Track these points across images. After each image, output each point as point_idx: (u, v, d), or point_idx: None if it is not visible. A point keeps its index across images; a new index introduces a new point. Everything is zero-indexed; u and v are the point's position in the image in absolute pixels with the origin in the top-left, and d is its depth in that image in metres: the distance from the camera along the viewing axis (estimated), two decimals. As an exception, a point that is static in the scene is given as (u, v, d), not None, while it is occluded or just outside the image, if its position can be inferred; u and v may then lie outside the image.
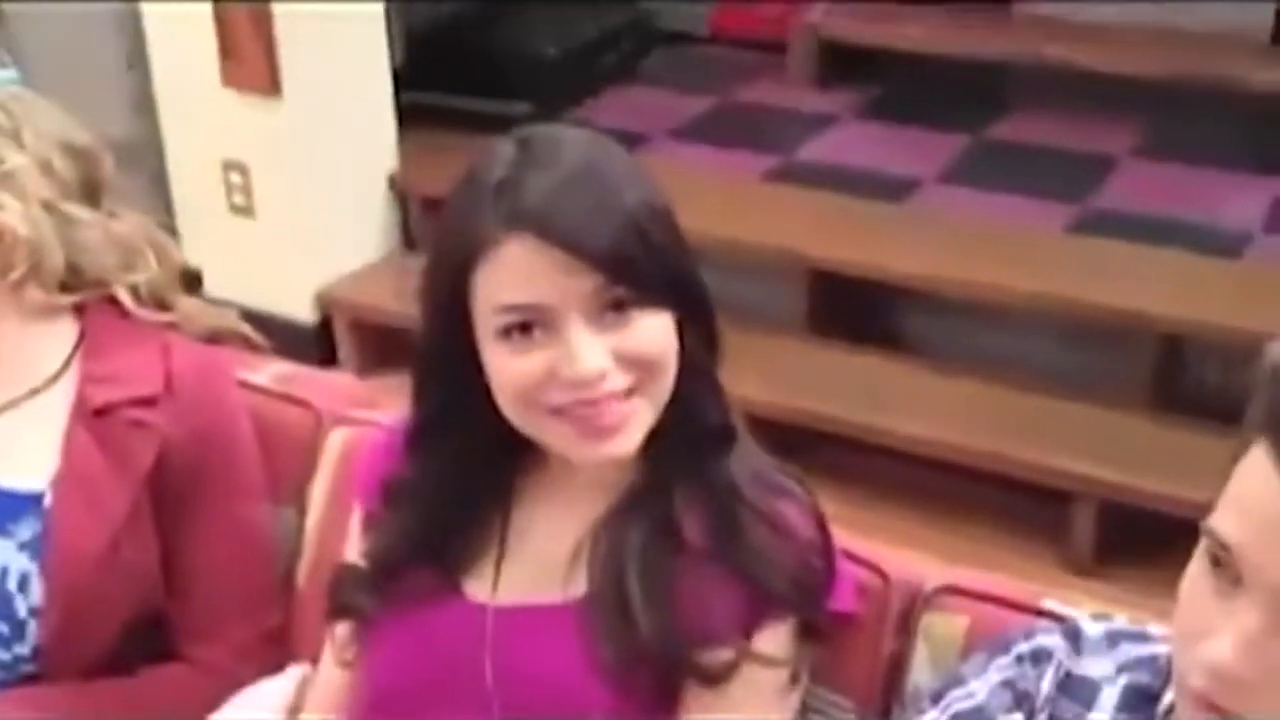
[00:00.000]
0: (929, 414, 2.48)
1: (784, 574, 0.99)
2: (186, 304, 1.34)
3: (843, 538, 1.07)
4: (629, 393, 0.97)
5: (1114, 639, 0.93)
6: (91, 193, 1.25)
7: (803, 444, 2.47)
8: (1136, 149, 3.10)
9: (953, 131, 3.20)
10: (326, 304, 2.92)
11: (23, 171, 1.18)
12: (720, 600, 0.99)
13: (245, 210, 2.90)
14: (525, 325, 0.95)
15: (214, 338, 1.36)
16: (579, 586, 1.02)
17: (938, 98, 3.34)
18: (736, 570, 0.99)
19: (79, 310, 1.25)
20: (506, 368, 0.96)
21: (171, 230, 3.22)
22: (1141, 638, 0.92)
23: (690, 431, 1.01)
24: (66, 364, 1.23)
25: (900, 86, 3.43)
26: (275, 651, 1.25)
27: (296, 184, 2.86)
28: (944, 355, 2.67)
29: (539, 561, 1.05)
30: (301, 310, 2.94)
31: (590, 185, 0.95)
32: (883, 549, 1.12)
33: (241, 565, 1.25)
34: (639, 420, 0.98)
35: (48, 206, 1.19)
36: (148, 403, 1.19)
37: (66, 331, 1.24)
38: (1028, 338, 2.67)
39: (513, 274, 0.94)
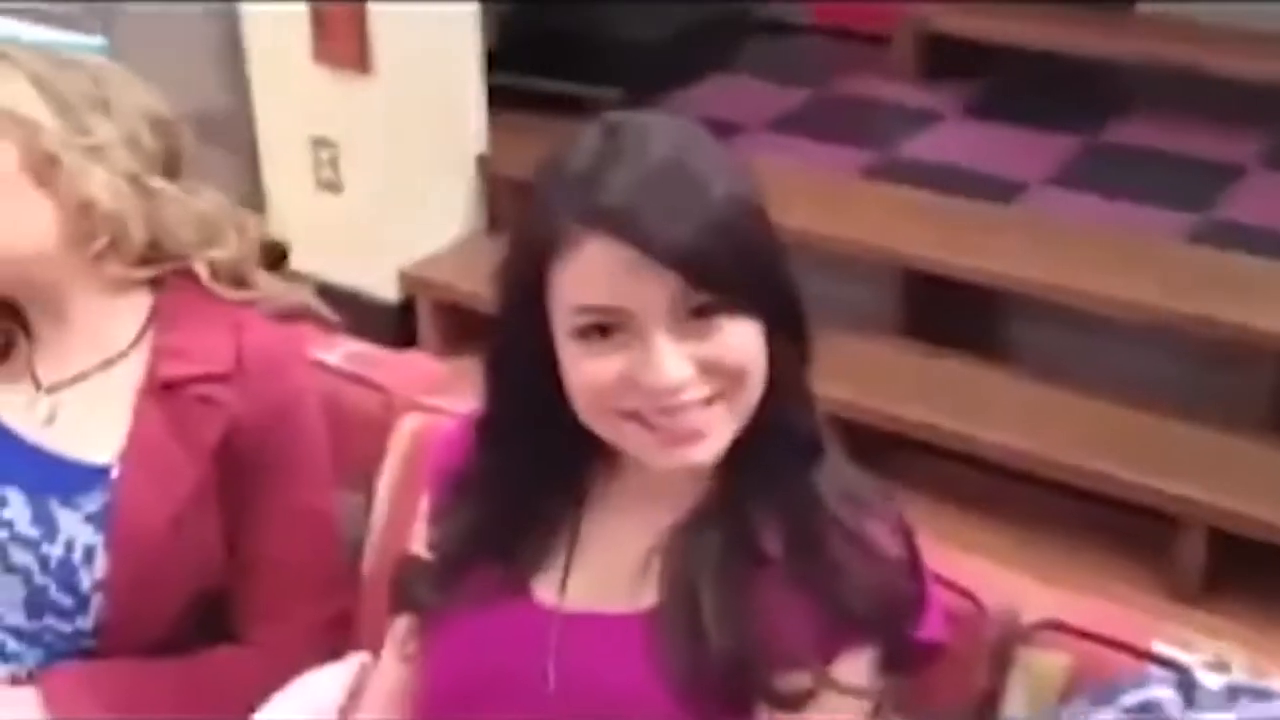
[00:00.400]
0: (1026, 425, 2.38)
1: (868, 597, 0.93)
2: (264, 281, 1.30)
3: (936, 561, 1.00)
4: (711, 400, 0.91)
5: (1234, 694, 0.85)
6: (172, 167, 1.23)
7: (889, 450, 2.44)
8: (1266, 158, 2.94)
9: (1064, 133, 3.07)
10: (410, 283, 2.90)
11: (111, 144, 1.17)
12: (798, 621, 0.93)
13: (333, 187, 2.89)
14: (603, 327, 0.90)
15: (290, 315, 1.32)
16: (649, 597, 0.97)
17: (1049, 97, 3.22)
18: (817, 590, 0.93)
19: (154, 284, 1.23)
20: (581, 369, 0.91)
21: (260, 205, 3.25)
22: (1264, 695, 0.85)
23: (775, 441, 0.95)
24: (139, 337, 1.21)
25: (1009, 84, 3.31)
26: (339, 637, 1.22)
27: (384, 162, 2.84)
28: (1045, 365, 2.56)
29: (609, 567, 1.00)
30: (385, 289, 2.91)
31: (676, 182, 0.89)
32: (978, 574, 1.05)
33: (307, 547, 1.22)
34: (721, 428, 0.92)
35: (132, 179, 1.18)
36: (218, 379, 1.17)
37: (141, 304, 1.22)
38: (1136, 351, 2.57)
39: (590, 274, 0.89)
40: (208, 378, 1.16)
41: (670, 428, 0.90)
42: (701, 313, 0.89)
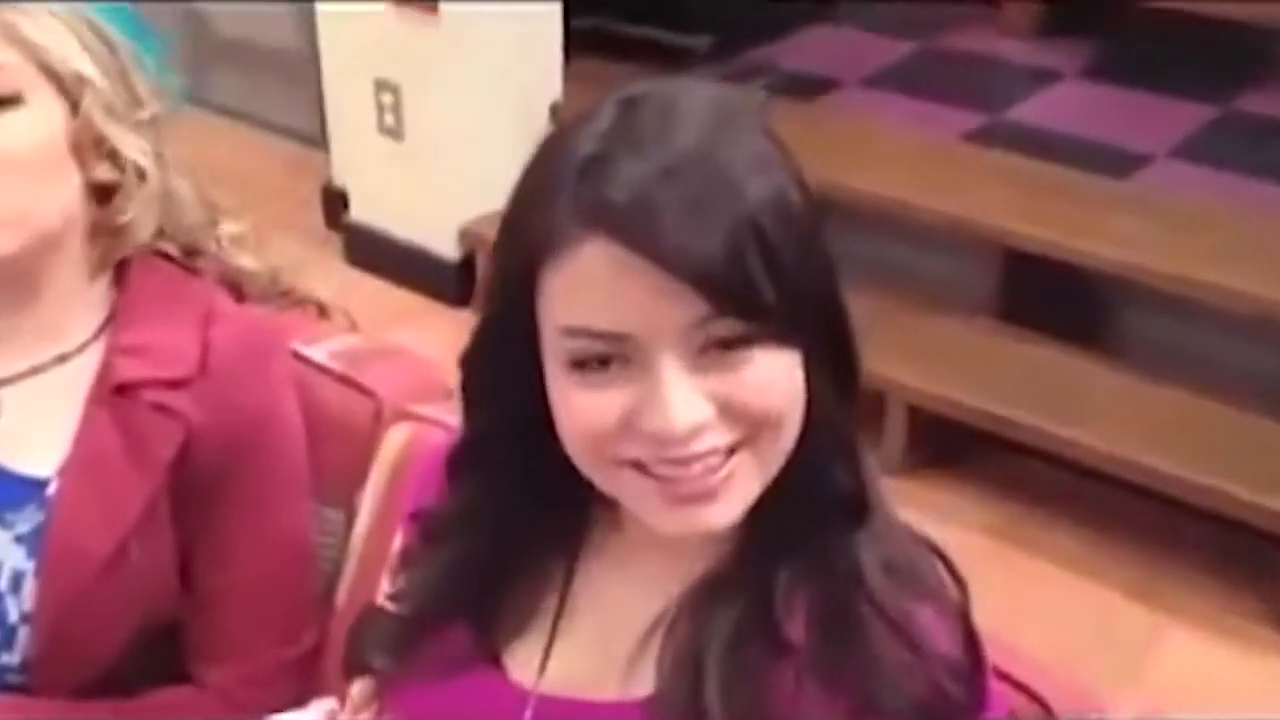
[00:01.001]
0: (1128, 427, 2.18)
1: (908, 697, 0.76)
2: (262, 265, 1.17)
3: (1000, 654, 0.81)
4: (732, 450, 0.74)
5: None
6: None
7: (974, 446, 2.30)
8: None
9: (1196, 100, 2.81)
10: (471, 240, 2.75)
11: (150, 121, 1.05)
12: None
13: (394, 133, 2.74)
14: (602, 355, 0.73)
15: (288, 302, 1.18)
16: (644, 683, 0.80)
17: (1181, 59, 2.94)
18: (848, 686, 0.76)
19: (119, 269, 1.08)
20: (574, 406, 0.74)
21: (325, 148, 3.13)
22: None
23: (809, 499, 0.78)
24: (99, 331, 1.07)
25: (1136, 43, 3.04)
26: (302, 680, 1.07)
27: (449, 109, 2.68)
28: (1155, 361, 2.34)
29: (599, 642, 0.83)
30: (445, 244, 2.77)
31: (702, 178, 0.71)
32: (1051, 674, 0.86)
33: (276, 577, 1.07)
34: (743, 485, 0.75)
35: (158, 156, 1.06)
36: (176, 385, 1.02)
37: (105, 292, 1.08)
38: (1259, 351, 2.32)
39: (588, 289, 0.72)
40: (165, 383, 1.02)
41: (680, 485, 0.74)
42: (725, 342, 0.72)
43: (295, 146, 3.32)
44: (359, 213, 2.88)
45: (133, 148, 1.03)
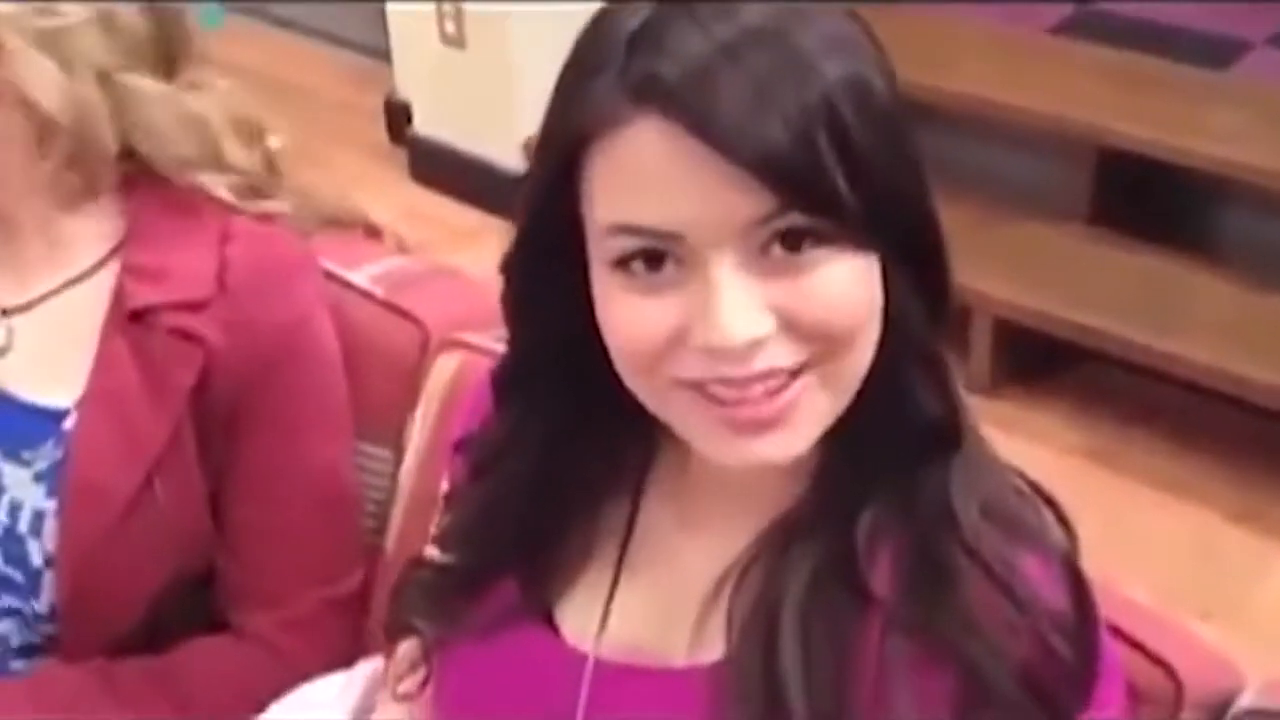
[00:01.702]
0: (1232, 338, 2.08)
1: (1010, 661, 0.68)
2: (295, 190, 1.06)
3: (1116, 608, 0.73)
4: (798, 371, 0.66)
5: None
6: (167, 61, 0.99)
7: (1064, 361, 2.22)
8: None
9: (1297, -18, 2.63)
10: (533, 153, 2.67)
11: (78, 29, 0.93)
12: (911, 687, 0.68)
13: (456, 41, 2.65)
14: (653, 254, 0.65)
15: (333, 225, 1.09)
16: (714, 646, 0.73)
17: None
18: (939, 644, 0.68)
19: (128, 186, 1.01)
20: (621, 314, 0.67)
21: (388, 60, 3.05)
22: None
23: (892, 430, 0.70)
24: (110, 253, 1.00)
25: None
26: (347, 626, 1.02)
27: (512, 15, 2.57)
28: (1260, 267, 2.22)
29: (664, 596, 0.76)
30: (509, 156, 2.68)
31: (768, 56, 0.63)
32: (1174, 631, 0.77)
33: (309, 515, 1.01)
34: (811, 412, 0.67)
35: (102, 76, 0.94)
36: (195, 308, 0.95)
37: (110, 211, 1.01)
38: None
39: (636, 176, 0.64)
40: (182, 306, 0.95)
41: (741, 408, 0.66)
42: (791, 243, 0.64)
43: (358, 58, 3.25)
44: (422, 126, 2.81)
45: (37, 64, 0.90)
